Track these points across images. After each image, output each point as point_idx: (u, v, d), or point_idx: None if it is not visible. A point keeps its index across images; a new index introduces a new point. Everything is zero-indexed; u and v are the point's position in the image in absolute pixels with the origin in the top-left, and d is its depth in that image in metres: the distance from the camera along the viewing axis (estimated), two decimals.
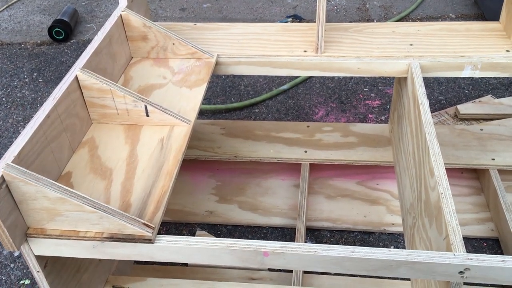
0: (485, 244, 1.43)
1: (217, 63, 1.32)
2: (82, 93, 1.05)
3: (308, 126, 1.67)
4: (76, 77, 1.03)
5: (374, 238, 1.48)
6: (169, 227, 1.56)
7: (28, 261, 0.92)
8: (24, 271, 1.47)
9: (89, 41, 2.57)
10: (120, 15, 1.26)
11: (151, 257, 0.87)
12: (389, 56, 1.27)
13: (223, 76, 2.28)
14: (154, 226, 0.85)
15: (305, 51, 1.32)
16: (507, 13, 1.31)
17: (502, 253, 1.39)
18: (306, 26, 1.43)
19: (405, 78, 1.29)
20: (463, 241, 0.82)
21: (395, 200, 1.55)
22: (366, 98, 2.08)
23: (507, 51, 1.25)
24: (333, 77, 2.20)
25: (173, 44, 1.31)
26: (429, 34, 1.33)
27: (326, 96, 2.11)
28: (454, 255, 0.79)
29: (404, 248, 1.38)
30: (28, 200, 0.83)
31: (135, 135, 1.07)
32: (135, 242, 0.84)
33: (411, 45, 1.30)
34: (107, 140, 1.06)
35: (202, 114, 2.07)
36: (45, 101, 0.96)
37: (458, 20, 2.57)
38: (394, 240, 1.47)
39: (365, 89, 2.13)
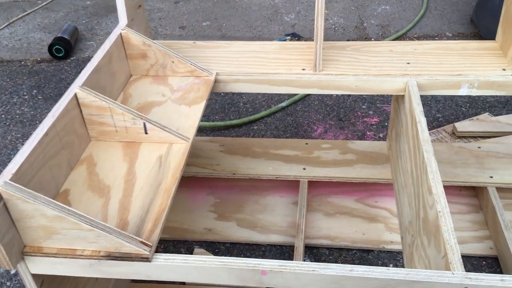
0: (484, 263, 1.42)
1: (216, 81, 1.33)
2: (81, 110, 1.05)
3: (306, 144, 1.67)
4: (75, 95, 1.03)
5: (373, 256, 1.47)
6: (167, 244, 1.56)
7: (24, 280, 0.91)
8: None
9: (89, 59, 2.59)
10: (120, 33, 1.27)
11: (148, 276, 0.86)
12: (387, 74, 1.28)
13: (222, 93, 2.29)
14: (151, 245, 0.84)
15: (303, 69, 1.33)
16: (503, 32, 1.33)
17: (501, 272, 1.38)
18: (304, 44, 1.45)
19: (403, 96, 1.30)
20: (461, 260, 0.81)
21: (394, 218, 1.55)
22: (364, 116, 2.09)
23: (503, 69, 1.26)
24: (331, 95, 2.21)
25: (172, 62, 1.32)
26: (426, 53, 1.35)
27: (325, 113, 2.12)
28: (453, 274, 0.79)
29: (403, 266, 1.37)
30: (25, 218, 0.83)
31: (134, 153, 1.07)
32: (132, 260, 0.84)
33: (408, 63, 1.31)
34: (105, 158, 1.06)
35: (201, 131, 2.07)
36: (44, 118, 0.96)
37: (455, 39, 2.59)
38: (393, 258, 1.46)
39: (363, 107, 2.14)
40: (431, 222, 0.94)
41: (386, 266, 1.44)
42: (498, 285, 0.77)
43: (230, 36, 2.81)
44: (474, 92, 1.26)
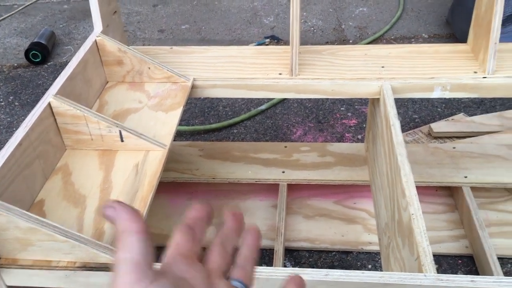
0: (460, 261, 1.45)
1: (193, 87, 1.33)
2: (55, 119, 1.05)
3: (285, 147, 1.69)
4: (49, 104, 1.03)
5: (352, 258, 1.49)
6: None
7: None
8: None
9: (66, 63, 2.56)
10: (95, 40, 1.27)
11: None
12: (362, 78, 1.30)
13: (202, 97, 2.29)
14: None
15: (280, 74, 1.34)
16: (474, 36, 1.36)
17: (476, 270, 1.41)
18: (281, 49, 1.46)
19: (378, 99, 1.32)
20: (433, 262, 0.83)
21: (372, 219, 1.57)
22: (343, 118, 2.11)
23: (475, 72, 1.28)
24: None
25: (149, 68, 1.31)
26: (400, 57, 1.37)
27: (304, 115, 2.14)
28: (425, 276, 0.80)
29: (381, 267, 1.39)
30: None
31: (110, 161, 1.07)
32: (109, 271, 0.84)
33: (382, 67, 1.33)
34: (81, 167, 1.05)
35: (180, 135, 2.07)
36: (21, 125, 0.96)
37: (431, 40, 2.64)
38: (371, 259, 1.48)
39: (341, 108, 2.16)
40: (405, 225, 0.96)
41: (365, 267, 1.45)
42: (469, 285, 0.79)
43: (209, 39, 2.81)
44: (447, 95, 1.28)
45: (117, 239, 0.40)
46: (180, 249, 0.43)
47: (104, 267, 0.84)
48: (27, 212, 0.81)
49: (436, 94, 1.28)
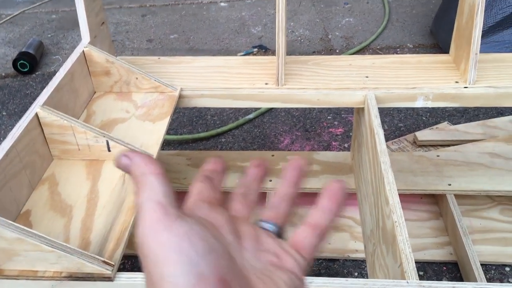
0: (444, 268, 1.47)
1: (180, 96, 1.34)
2: (42, 130, 1.05)
3: (272, 155, 1.70)
4: (36, 114, 1.03)
5: (338, 265, 1.50)
6: (135, 260, 1.55)
7: None
8: None
9: (54, 73, 2.55)
10: (83, 51, 1.28)
11: None
12: (346, 88, 1.32)
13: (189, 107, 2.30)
14: (114, 264, 0.85)
15: (266, 84, 1.36)
16: (455, 46, 1.39)
17: (461, 276, 1.43)
18: (267, 59, 1.48)
19: (363, 108, 1.34)
20: (416, 269, 0.85)
21: (358, 227, 1.58)
22: (329, 126, 2.13)
23: (456, 82, 1.31)
24: None
25: (136, 78, 1.32)
26: (384, 67, 1.40)
27: (291, 124, 2.16)
28: (408, 282, 0.82)
29: (367, 274, 1.41)
30: None
31: (97, 171, 1.08)
32: (95, 280, 0.84)
33: (366, 77, 1.36)
34: (67, 177, 1.06)
35: (169, 144, 2.07)
36: (7, 135, 0.96)
37: (416, 50, 2.68)
38: (357, 266, 1.49)
39: (328, 117, 2.19)
40: (389, 232, 0.98)
41: (351, 274, 1.47)
42: None
43: (197, 49, 2.83)
44: (430, 104, 1.31)
45: (136, 182, 0.40)
46: (202, 195, 0.44)
47: (90, 277, 0.84)
48: (13, 223, 0.81)
49: (418, 103, 1.31)
